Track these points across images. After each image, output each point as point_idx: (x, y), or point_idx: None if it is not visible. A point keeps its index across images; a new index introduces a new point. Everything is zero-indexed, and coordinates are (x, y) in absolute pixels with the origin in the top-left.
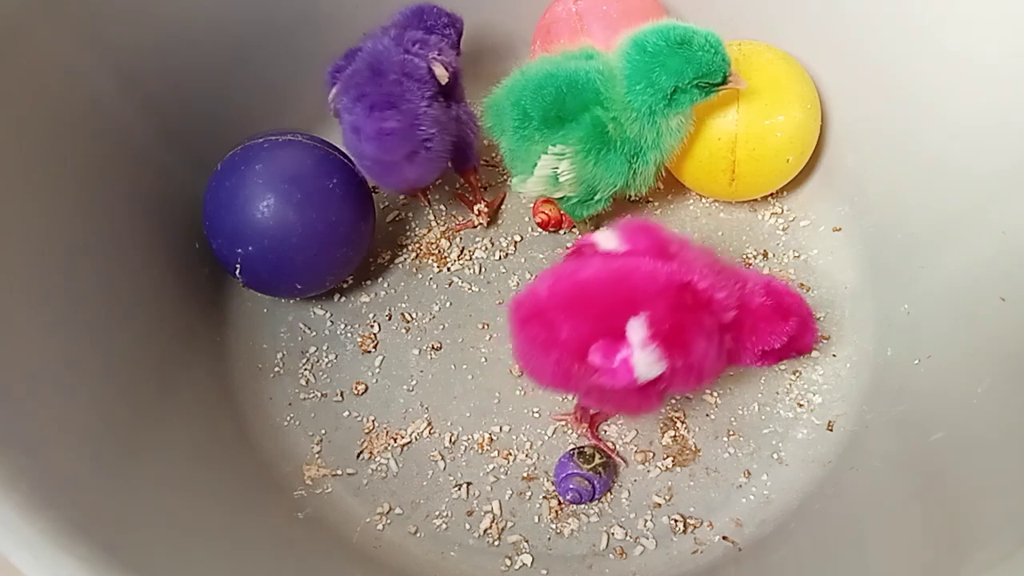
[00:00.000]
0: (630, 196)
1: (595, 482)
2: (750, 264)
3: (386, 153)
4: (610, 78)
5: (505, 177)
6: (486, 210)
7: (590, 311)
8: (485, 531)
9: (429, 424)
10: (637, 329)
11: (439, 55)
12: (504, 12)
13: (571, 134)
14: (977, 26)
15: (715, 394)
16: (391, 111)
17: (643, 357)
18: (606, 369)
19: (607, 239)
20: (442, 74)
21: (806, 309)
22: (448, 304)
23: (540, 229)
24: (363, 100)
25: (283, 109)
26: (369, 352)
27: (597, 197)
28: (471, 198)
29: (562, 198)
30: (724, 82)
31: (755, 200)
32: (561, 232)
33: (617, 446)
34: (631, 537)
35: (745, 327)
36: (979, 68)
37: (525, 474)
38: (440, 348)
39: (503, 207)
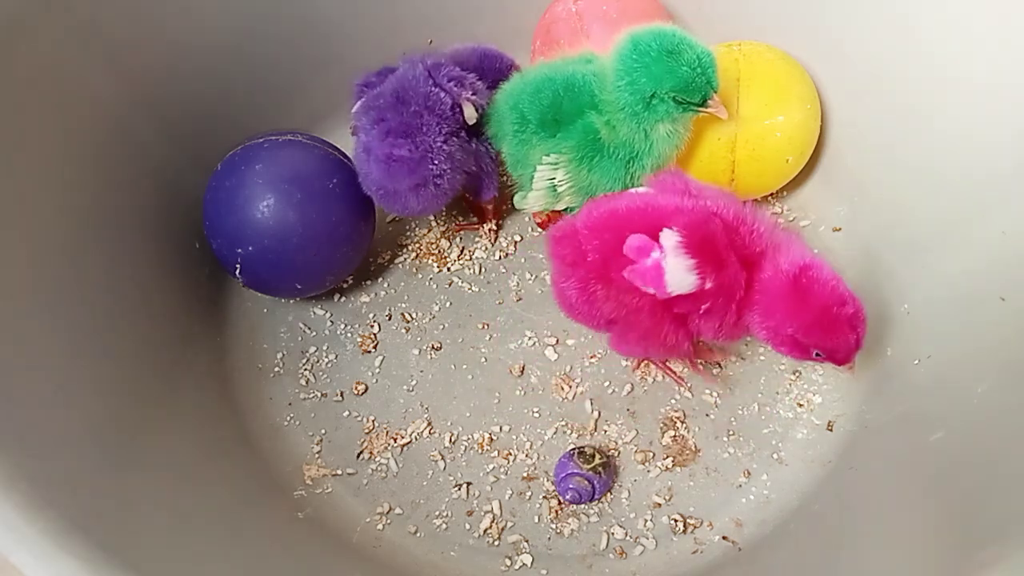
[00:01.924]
0: None
1: (595, 482)
2: None
3: (391, 180)
4: (604, 77)
5: (507, 180)
6: (496, 229)
7: (619, 231)
8: (485, 531)
9: (429, 424)
10: (669, 236)
11: (473, 95)
12: (504, 12)
13: (563, 142)
14: (977, 26)
15: (715, 394)
16: (404, 140)
17: (675, 263)
18: (639, 267)
19: (638, 188)
20: (471, 115)
21: (848, 311)
22: (448, 304)
23: (540, 229)
24: (380, 125)
25: (283, 109)
26: (369, 352)
27: None
28: (485, 214)
29: (566, 209)
30: (703, 104)
31: (755, 200)
32: None
33: (617, 446)
34: (631, 537)
35: (754, 295)
36: (980, 68)
37: (525, 474)
38: (440, 348)
39: (505, 207)
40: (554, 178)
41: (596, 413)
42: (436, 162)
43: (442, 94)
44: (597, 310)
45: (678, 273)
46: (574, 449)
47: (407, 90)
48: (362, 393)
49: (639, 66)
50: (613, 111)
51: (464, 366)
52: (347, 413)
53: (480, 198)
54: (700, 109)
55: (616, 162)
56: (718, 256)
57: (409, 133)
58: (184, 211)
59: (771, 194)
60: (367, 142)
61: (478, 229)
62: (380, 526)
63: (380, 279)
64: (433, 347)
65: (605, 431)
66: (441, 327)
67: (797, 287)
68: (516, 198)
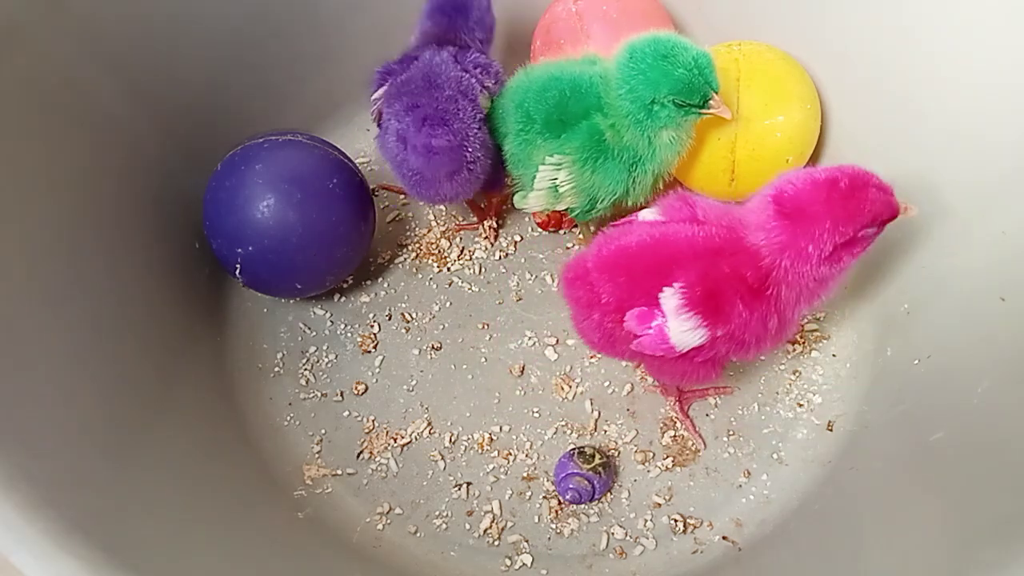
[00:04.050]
0: (625, 204)
1: (595, 482)
2: None
3: (430, 169)
4: (608, 81)
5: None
6: (496, 228)
7: (628, 275)
8: (485, 531)
9: (429, 424)
10: (670, 298)
11: (494, 83)
12: (504, 12)
13: (568, 143)
14: (977, 26)
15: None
16: (442, 128)
17: (678, 325)
18: (643, 336)
19: (648, 213)
20: (485, 104)
21: (847, 179)
22: (448, 304)
23: (540, 229)
24: (415, 112)
25: (283, 109)
26: (369, 352)
27: (599, 206)
28: (484, 211)
29: (568, 209)
30: (704, 105)
31: None
32: (561, 232)
33: (617, 446)
34: (631, 537)
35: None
36: (980, 69)
37: (525, 474)
38: (440, 348)
39: (504, 207)
40: (556, 178)
41: (596, 413)
42: (472, 148)
43: (472, 80)
44: (619, 348)
45: (683, 334)
46: (574, 449)
47: (438, 75)
48: (362, 393)
49: (636, 73)
50: (618, 117)
51: (464, 366)
52: (347, 413)
53: (492, 190)
54: (702, 111)
55: (620, 165)
56: (723, 307)
57: (445, 120)
58: (184, 211)
59: None
60: (402, 131)
61: (478, 229)
62: (380, 526)
63: (380, 279)
64: (433, 347)
65: (605, 431)
66: (441, 327)
67: (784, 203)
68: (516, 198)
